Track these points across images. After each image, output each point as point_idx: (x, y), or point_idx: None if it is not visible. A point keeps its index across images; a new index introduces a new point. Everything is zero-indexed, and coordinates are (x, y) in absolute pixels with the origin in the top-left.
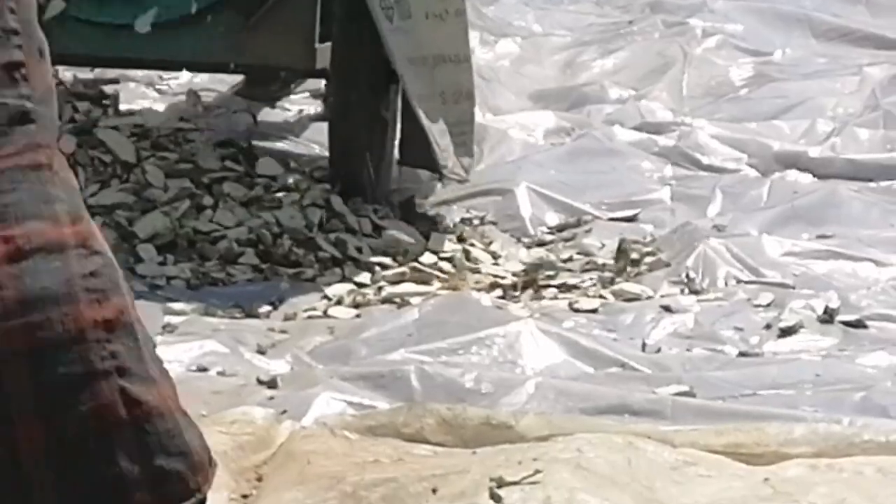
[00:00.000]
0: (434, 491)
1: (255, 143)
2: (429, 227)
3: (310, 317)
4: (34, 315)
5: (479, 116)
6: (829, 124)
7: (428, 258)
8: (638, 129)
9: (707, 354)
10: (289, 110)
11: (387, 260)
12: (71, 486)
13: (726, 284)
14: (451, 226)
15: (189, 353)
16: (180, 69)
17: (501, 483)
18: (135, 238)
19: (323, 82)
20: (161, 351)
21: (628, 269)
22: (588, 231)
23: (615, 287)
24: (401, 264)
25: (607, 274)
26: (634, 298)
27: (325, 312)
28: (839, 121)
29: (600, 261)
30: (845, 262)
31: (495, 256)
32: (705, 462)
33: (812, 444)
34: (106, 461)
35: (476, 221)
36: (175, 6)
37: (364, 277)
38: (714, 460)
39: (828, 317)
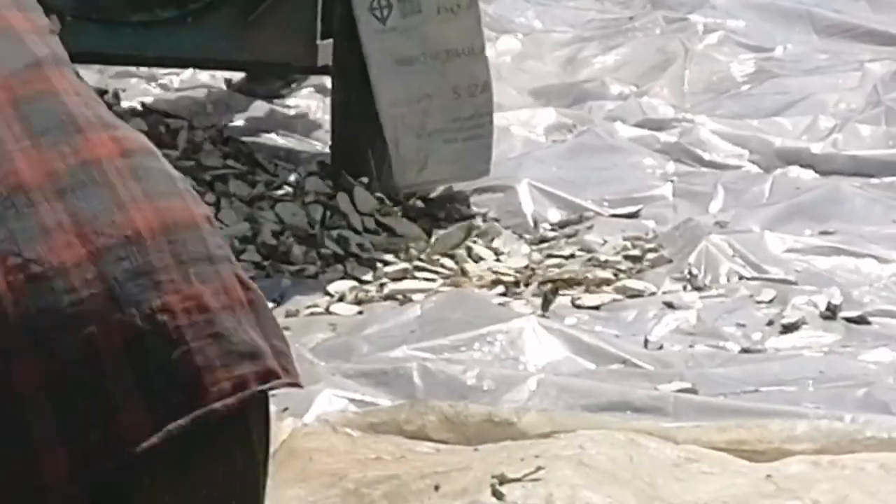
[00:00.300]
0: (436, 488)
1: (256, 140)
2: (431, 223)
3: (312, 314)
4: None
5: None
6: (831, 120)
7: (430, 255)
8: (639, 125)
9: (709, 351)
10: (291, 107)
11: (389, 257)
12: (224, 353)
13: (728, 281)
14: (453, 222)
15: None
16: (182, 66)
17: (503, 480)
18: None
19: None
20: None
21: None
22: (590, 228)
23: (618, 283)
24: (403, 261)
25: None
26: (637, 295)
27: (327, 309)
28: (841, 117)
29: (602, 257)
30: (848, 258)
31: (497, 253)
32: (708, 459)
33: (814, 440)
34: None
35: (478, 218)
36: None
37: (366, 274)
38: (716, 457)
39: (830, 313)
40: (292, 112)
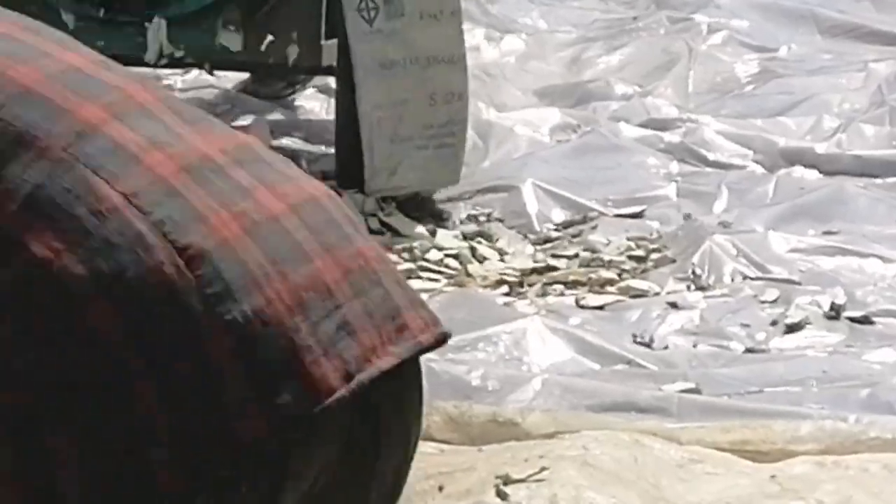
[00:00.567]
0: (440, 489)
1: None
2: (435, 223)
3: None
4: None
5: (485, 113)
6: (835, 120)
7: (434, 255)
8: (644, 125)
9: (713, 351)
10: (295, 108)
11: (392, 257)
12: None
13: (732, 281)
14: (458, 223)
15: None
16: (186, 66)
17: (508, 480)
18: None
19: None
20: None
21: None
22: (594, 228)
23: (622, 284)
24: (407, 261)
25: (613, 271)
26: (641, 295)
27: None
28: (845, 117)
29: (606, 257)
30: (851, 258)
31: (502, 253)
32: (712, 459)
33: (818, 441)
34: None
35: (482, 218)
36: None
37: None
38: (720, 458)
39: (834, 313)
40: (296, 113)
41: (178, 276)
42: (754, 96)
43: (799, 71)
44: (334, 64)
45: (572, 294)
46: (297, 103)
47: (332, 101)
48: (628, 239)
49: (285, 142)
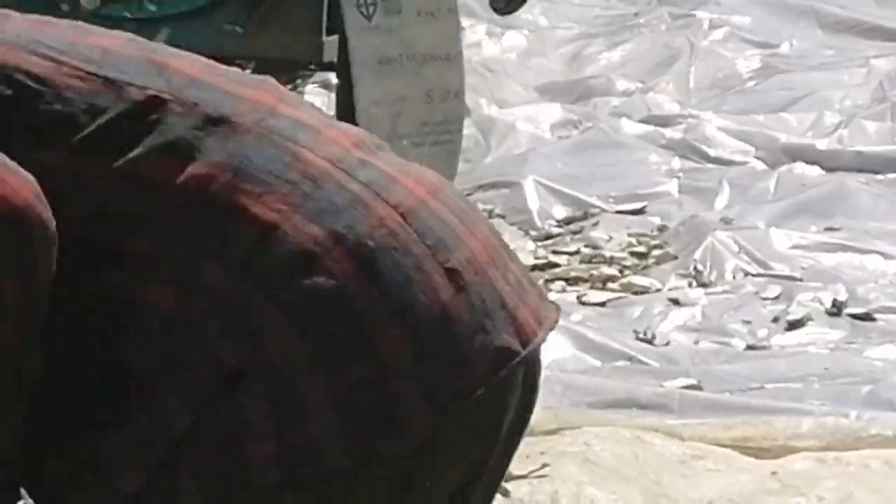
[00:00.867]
0: None
1: None
2: None
3: None
4: None
5: (486, 109)
6: (837, 116)
7: None
8: (645, 121)
9: (715, 347)
10: None
11: None
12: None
13: (734, 277)
14: None
15: None
16: None
17: (509, 477)
18: None
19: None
20: None
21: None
22: (595, 224)
23: (623, 280)
24: None
25: (615, 267)
26: (642, 291)
27: None
28: (846, 113)
29: (608, 254)
30: (853, 254)
31: None
32: (713, 456)
33: (820, 437)
34: None
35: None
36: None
37: None
38: (722, 454)
39: (836, 310)
40: None
41: (401, 229)
42: (756, 92)
43: (800, 67)
44: (336, 60)
45: (574, 290)
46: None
47: (333, 96)
48: (630, 235)
49: None
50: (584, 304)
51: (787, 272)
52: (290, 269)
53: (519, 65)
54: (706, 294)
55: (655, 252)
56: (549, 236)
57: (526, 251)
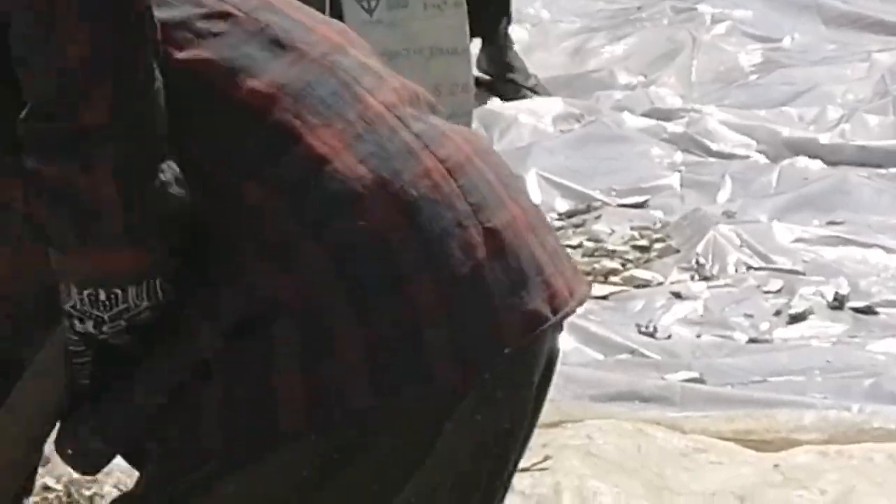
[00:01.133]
0: None
1: None
2: None
3: None
4: None
5: (488, 102)
6: (839, 111)
7: None
8: (647, 115)
9: (717, 341)
10: None
11: None
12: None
13: (736, 271)
14: None
15: None
16: None
17: None
18: None
19: None
20: None
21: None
22: (598, 217)
23: (625, 274)
24: None
25: (617, 260)
26: (644, 285)
27: None
28: (849, 107)
29: (610, 247)
30: (855, 248)
31: None
32: (715, 449)
33: (822, 430)
34: None
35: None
36: None
37: None
38: (724, 447)
39: (838, 303)
40: None
41: (445, 183)
42: (758, 86)
43: (803, 61)
44: None
45: None
46: None
47: None
48: (632, 229)
49: None
50: None
51: (789, 266)
52: (334, 206)
53: (521, 58)
54: (708, 287)
55: (657, 246)
56: None
57: None
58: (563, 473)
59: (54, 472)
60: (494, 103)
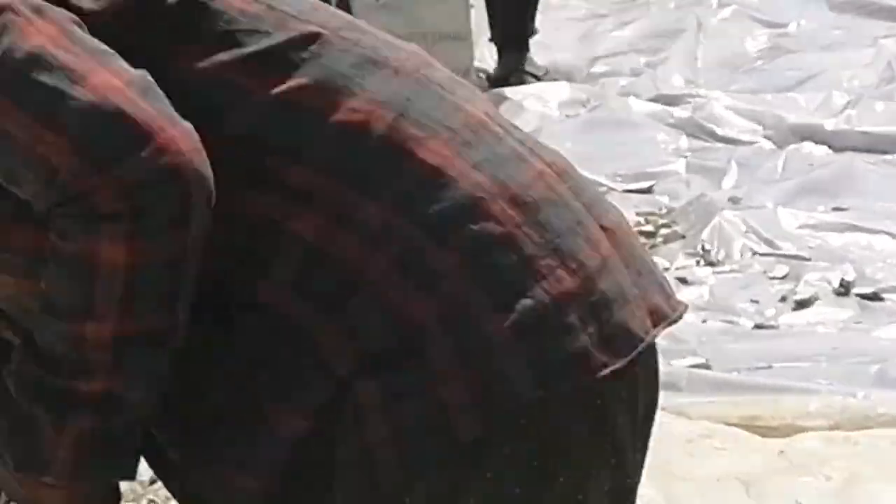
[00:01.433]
0: None
1: None
2: None
3: None
4: None
5: (494, 88)
6: (845, 97)
7: None
8: (653, 100)
9: (723, 326)
10: None
11: None
12: None
13: (742, 257)
14: None
15: None
16: None
17: None
18: None
19: None
20: None
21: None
22: None
23: None
24: None
25: None
26: None
27: None
28: (854, 93)
29: None
30: (861, 234)
31: None
32: (721, 434)
33: (827, 416)
34: None
35: None
36: None
37: None
38: (730, 433)
39: (843, 289)
40: None
41: (557, 184)
42: (764, 72)
43: (809, 46)
44: None
45: None
46: None
47: None
48: (637, 214)
49: None
50: None
51: (794, 252)
52: (457, 213)
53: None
54: (714, 273)
55: (663, 231)
56: None
57: None
58: None
59: None
60: (500, 88)
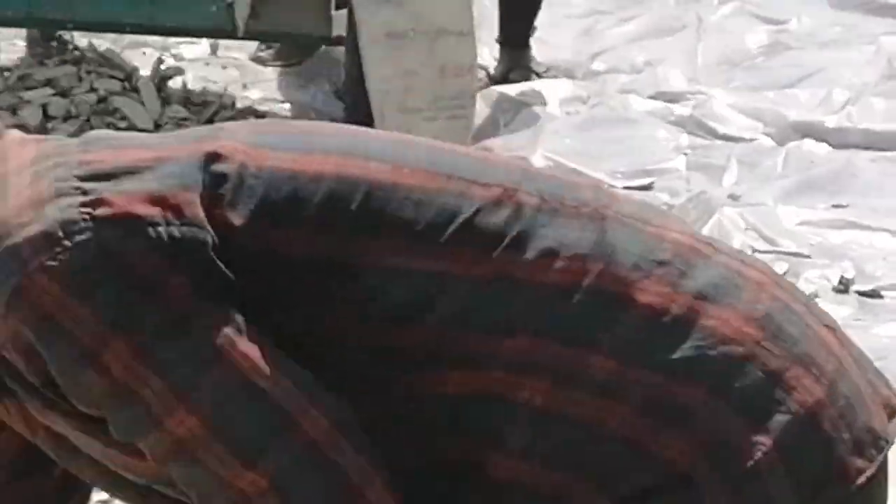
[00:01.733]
0: None
1: (271, 110)
2: None
3: None
4: None
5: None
6: (845, 94)
7: None
8: (653, 97)
9: None
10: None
11: None
12: None
13: None
14: None
15: None
16: (197, 36)
17: None
18: None
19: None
20: None
21: None
22: None
23: None
24: None
25: None
26: None
27: None
28: (855, 90)
29: None
30: (861, 231)
31: None
32: None
33: None
34: None
35: None
36: None
37: None
38: None
39: (843, 287)
40: (306, 82)
41: (776, 290)
42: (764, 69)
43: (809, 44)
44: (344, 34)
45: None
46: (306, 73)
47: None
48: None
49: (296, 111)
50: None
51: (794, 249)
52: (696, 351)
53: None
54: None
55: None
56: None
57: None
58: None
59: None
60: (501, 86)
